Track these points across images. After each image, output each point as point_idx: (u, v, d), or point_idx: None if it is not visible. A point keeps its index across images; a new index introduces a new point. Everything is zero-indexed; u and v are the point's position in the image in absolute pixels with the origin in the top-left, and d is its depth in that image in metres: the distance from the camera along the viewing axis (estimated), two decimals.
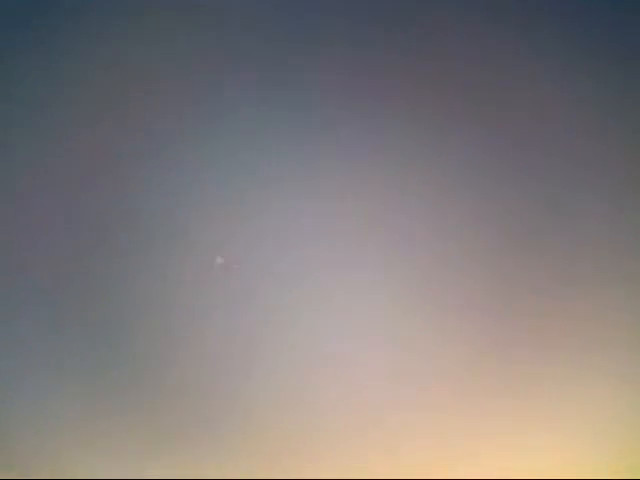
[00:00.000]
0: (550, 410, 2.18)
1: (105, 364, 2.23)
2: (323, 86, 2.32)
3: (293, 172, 2.30)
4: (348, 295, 2.25)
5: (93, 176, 2.30)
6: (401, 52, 2.32)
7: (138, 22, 2.34)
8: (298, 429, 2.19)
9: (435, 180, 2.28)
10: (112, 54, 2.33)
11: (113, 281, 2.27)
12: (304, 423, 2.20)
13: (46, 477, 2.15)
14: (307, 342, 2.24)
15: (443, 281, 2.25)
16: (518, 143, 2.28)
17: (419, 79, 2.31)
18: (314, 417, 2.20)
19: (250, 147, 2.32)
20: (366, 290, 2.25)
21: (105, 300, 2.26)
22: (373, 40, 2.32)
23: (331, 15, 2.34)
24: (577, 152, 2.27)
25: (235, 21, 2.34)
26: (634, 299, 2.20)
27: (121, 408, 2.21)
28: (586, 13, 2.30)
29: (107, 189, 2.30)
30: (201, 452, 2.19)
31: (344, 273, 2.26)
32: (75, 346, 2.25)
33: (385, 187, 2.29)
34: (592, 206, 2.24)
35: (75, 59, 2.33)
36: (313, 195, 2.29)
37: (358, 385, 2.21)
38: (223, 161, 2.31)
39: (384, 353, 2.23)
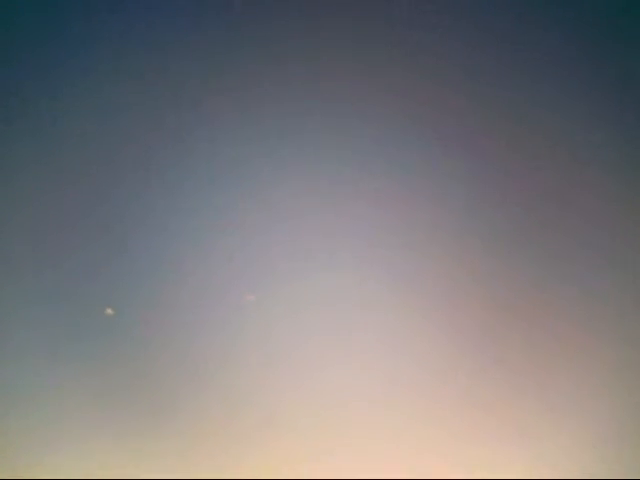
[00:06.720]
0: (549, 415, 2.17)
1: (107, 365, 2.24)
2: (325, 94, 2.35)
3: (296, 179, 2.32)
4: (346, 299, 2.26)
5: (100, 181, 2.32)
6: (404, 59, 2.34)
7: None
8: (297, 431, 2.19)
9: (435, 186, 2.30)
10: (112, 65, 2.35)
11: (117, 282, 2.28)
12: (304, 425, 2.19)
13: (46, 477, 2.14)
14: (306, 346, 2.24)
15: (443, 286, 2.26)
16: (522, 149, 2.30)
17: (422, 90, 2.33)
18: (314, 418, 2.20)
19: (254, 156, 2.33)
20: (366, 294, 2.26)
21: (107, 301, 2.27)
22: (378, 52, 2.34)
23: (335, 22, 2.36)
24: (577, 156, 2.28)
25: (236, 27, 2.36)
26: (633, 300, 2.20)
27: (122, 408, 2.21)
28: (589, 20, 2.32)
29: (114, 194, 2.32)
30: (203, 452, 2.18)
31: (343, 276, 2.27)
32: (76, 346, 2.25)
33: (385, 193, 2.30)
34: (592, 209, 2.25)
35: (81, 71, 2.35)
36: (313, 200, 2.31)
37: (358, 388, 2.22)
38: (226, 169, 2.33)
39: (384, 358, 2.23)
